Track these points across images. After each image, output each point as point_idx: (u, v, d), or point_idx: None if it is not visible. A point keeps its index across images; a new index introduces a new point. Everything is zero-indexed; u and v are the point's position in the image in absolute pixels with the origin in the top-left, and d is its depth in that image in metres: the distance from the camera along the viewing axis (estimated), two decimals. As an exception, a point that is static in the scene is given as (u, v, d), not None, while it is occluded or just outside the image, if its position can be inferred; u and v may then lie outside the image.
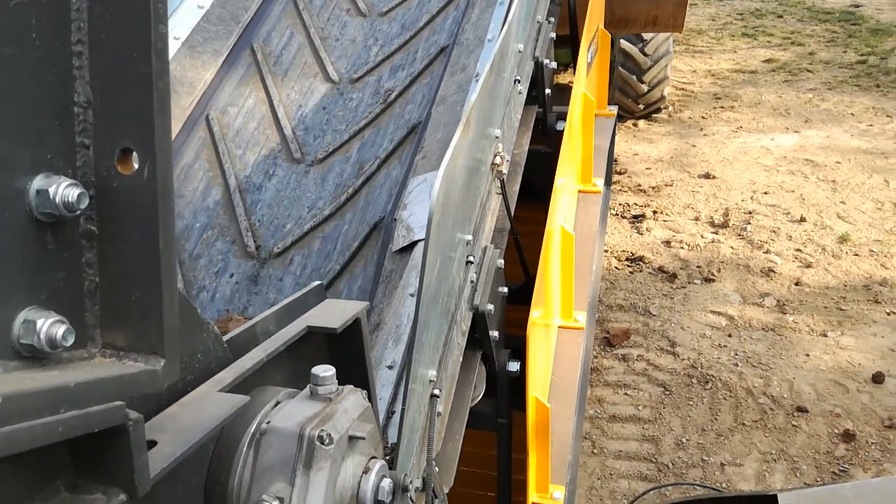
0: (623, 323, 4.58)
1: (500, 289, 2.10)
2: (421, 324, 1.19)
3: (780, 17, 10.88)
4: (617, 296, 4.87)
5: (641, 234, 5.59)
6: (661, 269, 5.09)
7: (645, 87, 7.00)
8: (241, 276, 2.03)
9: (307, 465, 0.76)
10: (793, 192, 5.91)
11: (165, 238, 0.62)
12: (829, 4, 11.19)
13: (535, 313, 2.02)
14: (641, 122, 7.53)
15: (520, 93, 2.22)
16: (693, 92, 8.29)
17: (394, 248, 1.83)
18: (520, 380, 2.09)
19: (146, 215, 0.62)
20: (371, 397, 1.00)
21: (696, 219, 5.70)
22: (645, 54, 6.70)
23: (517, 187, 2.37)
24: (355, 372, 0.97)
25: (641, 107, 7.31)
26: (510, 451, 2.32)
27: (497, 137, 1.97)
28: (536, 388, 2.11)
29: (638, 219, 5.77)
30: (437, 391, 1.56)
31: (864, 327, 4.33)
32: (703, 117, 7.59)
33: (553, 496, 2.21)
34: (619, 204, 6.03)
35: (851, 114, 7.33)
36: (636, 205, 5.99)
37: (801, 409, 3.78)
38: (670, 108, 7.84)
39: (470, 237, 1.79)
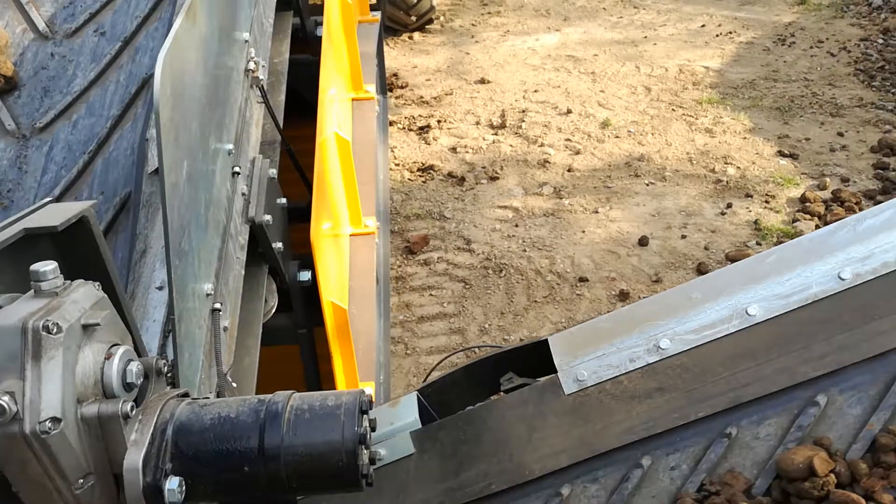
0: (421, 230, 4.73)
1: (278, 200, 2.06)
2: (174, 228, 1.15)
3: (533, -79, 11.28)
4: (413, 206, 5.00)
5: (429, 143, 5.73)
6: (450, 175, 5.29)
7: (414, -1, 7.02)
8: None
9: (36, 356, 0.73)
10: (559, 87, 6.32)
11: None
12: None
13: (317, 221, 2.02)
14: (417, 35, 7.59)
15: (266, -5, 2.14)
16: (461, 1, 8.47)
17: (149, 168, 1.72)
18: (314, 290, 2.10)
19: None
20: (119, 297, 0.95)
21: (477, 123, 5.94)
22: (409, -36, 6.69)
23: (282, 97, 2.31)
24: (92, 272, 0.92)
25: (414, 18, 7.35)
26: (316, 361, 2.35)
27: (247, 41, 1.89)
28: (332, 294, 2.14)
29: (424, 130, 5.90)
30: (217, 305, 1.53)
31: (628, 199, 4.83)
32: (472, 24, 7.81)
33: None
34: (405, 117, 6.11)
35: (603, 8, 7.90)
36: (421, 116, 6.10)
37: (583, 280, 4.19)
38: (441, 18, 7.96)
39: (231, 146, 1.73)
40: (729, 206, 4.59)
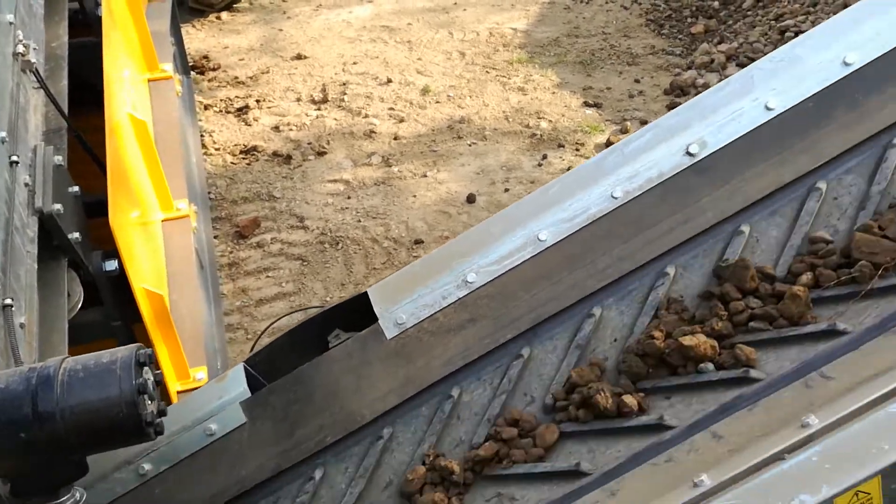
0: (251, 213, 4.63)
1: (70, 189, 1.95)
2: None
3: None
4: (239, 189, 4.87)
5: (250, 124, 5.57)
6: (275, 154, 5.18)
7: (216, -23, 6.74)
8: None
9: None
10: (377, 57, 6.35)
11: None
12: None
13: (115, 207, 1.93)
14: (225, 15, 7.30)
15: (29, -26, 1.98)
16: (269, -23, 8.23)
17: None
18: (124, 279, 2.02)
19: None
20: None
21: (298, 99, 5.85)
22: (205, -59, 6.40)
23: (65, 83, 2.17)
24: None
25: (219, -3, 7.07)
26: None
27: (12, 23, 1.76)
28: (145, 281, 2.06)
29: (243, 111, 5.72)
30: (8, 301, 1.44)
31: (453, 161, 4.99)
32: (283, 0, 7.62)
33: (196, 378, 2.24)
34: (221, 99, 5.89)
35: (412, -21, 7.98)
36: (238, 97, 5.91)
37: (418, 242, 4.29)
38: (249, -4, 7.70)
39: (4, 134, 1.62)
40: (544, 157, 4.87)
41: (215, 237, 4.42)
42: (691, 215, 1.55)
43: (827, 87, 1.51)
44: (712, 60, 5.52)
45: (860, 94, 1.50)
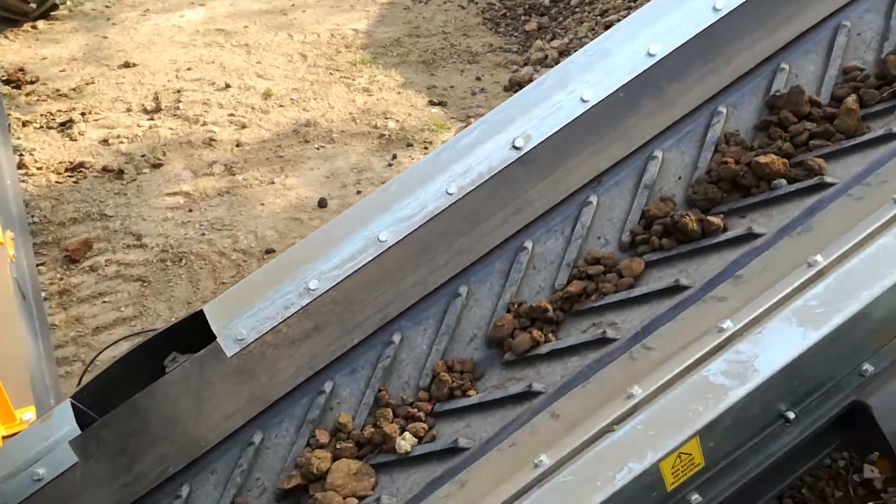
0: (81, 235, 4.28)
1: None
2: None
3: None
4: (66, 210, 4.49)
5: (75, 139, 5.17)
6: (105, 169, 4.84)
7: (25, -19, 6.19)
8: None
9: None
10: (213, 62, 6.09)
11: None
12: None
13: None
14: (41, 23, 6.73)
15: None
16: (87, -20, 7.67)
17: None
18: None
19: None
20: None
21: (129, 110, 5.50)
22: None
23: None
24: None
25: (33, 6, 6.52)
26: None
27: None
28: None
29: (66, 125, 5.30)
30: None
31: (301, 165, 4.88)
32: (106, 6, 7.13)
33: (23, 419, 2.04)
34: (41, 115, 5.43)
35: (246, -20, 7.73)
36: (60, 111, 5.47)
37: (270, 251, 4.16)
38: (69, 2, 7.14)
39: None
40: (394, 157, 4.87)
41: (41, 264, 4.05)
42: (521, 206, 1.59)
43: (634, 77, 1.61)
44: (546, 56, 5.76)
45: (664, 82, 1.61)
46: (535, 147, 1.61)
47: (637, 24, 1.62)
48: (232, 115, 5.39)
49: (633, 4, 5.44)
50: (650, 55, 1.60)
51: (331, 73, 5.93)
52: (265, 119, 5.36)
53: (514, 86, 5.62)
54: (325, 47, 6.35)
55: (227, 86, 5.73)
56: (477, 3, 7.06)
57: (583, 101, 1.61)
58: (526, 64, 5.86)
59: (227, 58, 6.18)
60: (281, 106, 5.51)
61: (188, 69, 6.00)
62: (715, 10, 1.60)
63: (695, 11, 1.59)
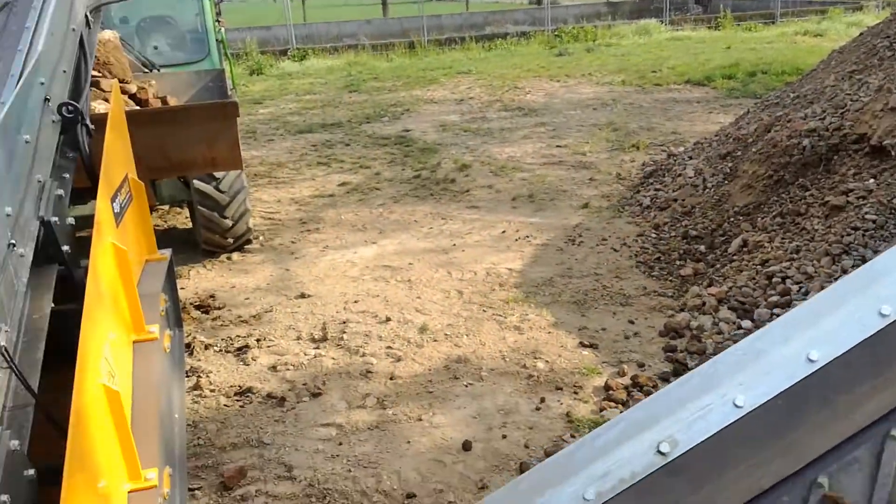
0: (238, 461, 4.45)
1: (25, 472, 1.87)
2: None
3: (348, 145, 12.25)
4: (229, 434, 4.73)
5: (248, 364, 5.58)
6: (269, 396, 5.12)
7: (228, 222, 7.17)
8: None
9: None
10: (378, 296, 6.53)
11: None
12: (385, 132, 12.98)
13: (70, 486, 1.84)
14: (236, 255, 7.66)
15: (21, 256, 2.08)
16: (281, 220, 8.76)
17: None
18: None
19: None
20: None
21: (298, 338, 5.91)
22: (220, 191, 6.90)
23: (40, 355, 2.19)
24: None
25: (230, 241, 7.46)
26: None
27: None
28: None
29: (242, 350, 5.77)
30: None
31: (449, 403, 4.89)
32: (292, 242, 8.03)
33: None
34: (222, 339, 5.97)
35: (415, 220, 8.48)
36: (239, 336, 5.99)
37: (410, 496, 4.06)
38: (261, 237, 8.14)
39: (-45, 426, 1.58)
40: (542, 400, 4.77)
41: (197, 488, 4.22)
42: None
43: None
44: (703, 303, 5.61)
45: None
46: (683, 454, 1.48)
47: (793, 325, 1.52)
48: (389, 347, 5.63)
49: (795, 256, 5.27)
50: (810, 360, 1.48)
51: (484, 310, 6.12)
52: (419, 353, 5.53)
53: (670, 331, 5.47)
54: (480, 285, 6.63)
55: (388, 319, 6.05)
56: (630, 247, 7.19)
57: (736, 406, 1.49)
58: (682, 310, 5.72)
59: (390, 292, 6.60)
60: (435, 340, 5.70)
61: (355, 301, 6.45)
62: (881, 315, 1.47)
63: (858, 315, 1.47)
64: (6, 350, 1.82)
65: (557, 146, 11.42)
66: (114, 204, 2.70)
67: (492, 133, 12.58)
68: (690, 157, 9.19)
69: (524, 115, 13.99)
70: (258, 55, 21.66)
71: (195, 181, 6.76)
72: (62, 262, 2.38)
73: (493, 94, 16.06)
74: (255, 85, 18.74)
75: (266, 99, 16.82)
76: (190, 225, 8.24)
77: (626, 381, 4.89)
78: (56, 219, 2.33)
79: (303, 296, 6.64)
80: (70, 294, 2.53)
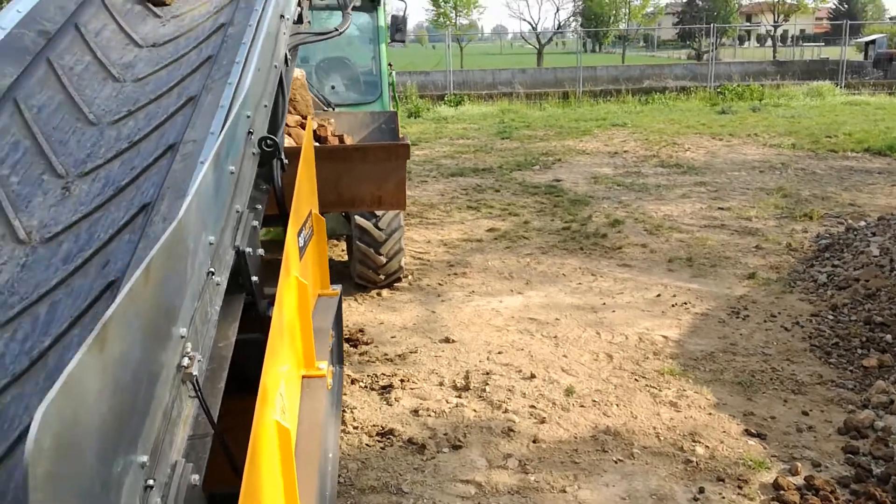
0: (374, 505, 4.36)
1: (200, 508, 1.83)
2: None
3: (498, 191, 12.26)
4: (369, 476, 4.67)
5: (391, 404, 5.53)
6: (410, 441, 5.02)
7: (383, 259, 7.28)
8: None
9: None
10: (522, 349, 6.32)
11: None
12: (535, 180, 12.90)
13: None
14: (385, 292, 7.75)
15: (217, 284, 2.09)
16: (429, 261, 8.81)
17: None
18: None
19: None
20: None
21: (441, 384, 5.81)
22: (379, 228, 7.03)
23: (222, 384, 2.18)
24: None
25: (382, 277, 7.56)
26: None
27: (183, 337, 1.79)
28: None
29: (386, 389, 5.74)
30: None
31: (596, 478, 4.57)
32: (440, 283, 8.03)
33: None
34: (368, 375, 5.98)
35: (563, 274, 8.24)
36: (384, 374, 5.98)
37: (550, 573, 3.78)
38: (410, 276, 8.20)
39: (145, 458, 1.54)
40: (701, 490, 4.34)
41: (333, 529, 4.16)
42: None
43: None
44: (892, 401, 4.96)
45: None
46: None
47: None
48: (533, 406, 5.39)
49: None
50: None
51: (636, 380, 5.75)
52: (564, 417, 5.26)
53: (851, 430, 4.86)
54: (632, 350, 6.26)
55: (533, 376, 5.83)
56: (803, 327, 6.56)
57: None
58: (865, 406, 5.09)
59: (535, 347, 6.38)
60: (582, 406, 5.40)
61: (499, 353, 6.29)
62: None
63: None
64: (196, 380, 1.79)
65: (719, 208, 10.82)
66: (299, 238, 2.72)
67: (647, 189, 12.15)
68: (874, 234, 8.37)
69: (683, 172, 13.44)
70: (417, 98, 22.45)
71: (357, 216, 6.94)
72: (249, 291, 2.40)
73: (650, 148, 15.61)
74: (412, 127, 19.37)
75: (422, 141, 17.31)
76: (344, 258, 8.46)
77: (800, 481, 4.36)
78: (250, 249, 2.36)
79: (447, 340, 6.56)
80: (250, 323, 2.54)
